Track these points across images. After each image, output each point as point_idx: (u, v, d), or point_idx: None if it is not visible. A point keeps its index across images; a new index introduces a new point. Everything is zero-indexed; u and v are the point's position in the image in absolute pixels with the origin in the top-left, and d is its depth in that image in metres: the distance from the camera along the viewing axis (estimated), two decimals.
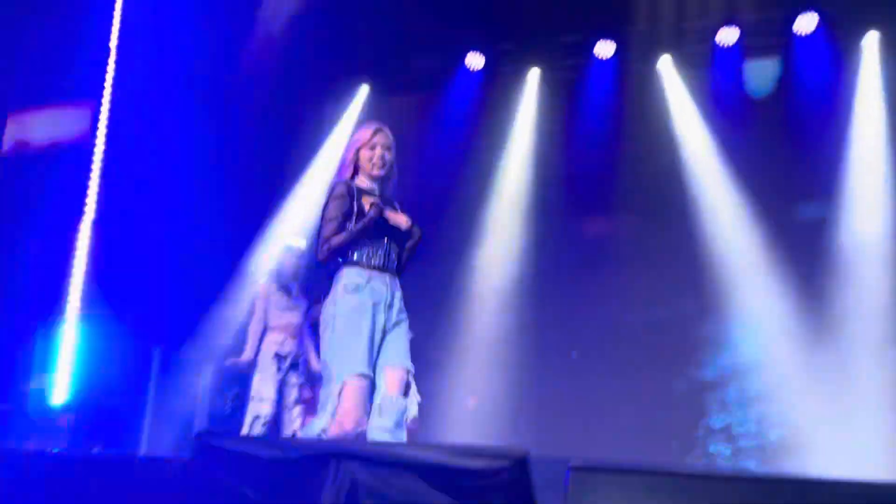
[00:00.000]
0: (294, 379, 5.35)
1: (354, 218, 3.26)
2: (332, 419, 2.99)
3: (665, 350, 6.94)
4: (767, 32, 7.00)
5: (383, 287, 3.27)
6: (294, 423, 5.30)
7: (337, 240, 3.23)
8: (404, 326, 3.32)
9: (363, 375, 3.08)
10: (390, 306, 3.27)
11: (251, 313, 5.44)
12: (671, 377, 6.85)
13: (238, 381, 5.75)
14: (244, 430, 5.17)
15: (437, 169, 7.47)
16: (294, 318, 5.39)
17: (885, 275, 6.47)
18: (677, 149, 7.29)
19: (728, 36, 6.93)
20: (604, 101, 7.39)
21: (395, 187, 3.54)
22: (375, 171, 3.41)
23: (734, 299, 6.89)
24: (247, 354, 5.28)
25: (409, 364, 3.24)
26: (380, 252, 3.30)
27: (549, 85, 7.65)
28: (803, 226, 6.80)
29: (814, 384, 6.40)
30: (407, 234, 3.38)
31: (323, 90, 7.98)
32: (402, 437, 3.08)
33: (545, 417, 7.02)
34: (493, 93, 7.76)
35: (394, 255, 3.36)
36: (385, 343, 3.22)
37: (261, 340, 5.30)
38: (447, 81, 7.58)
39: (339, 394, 3.02)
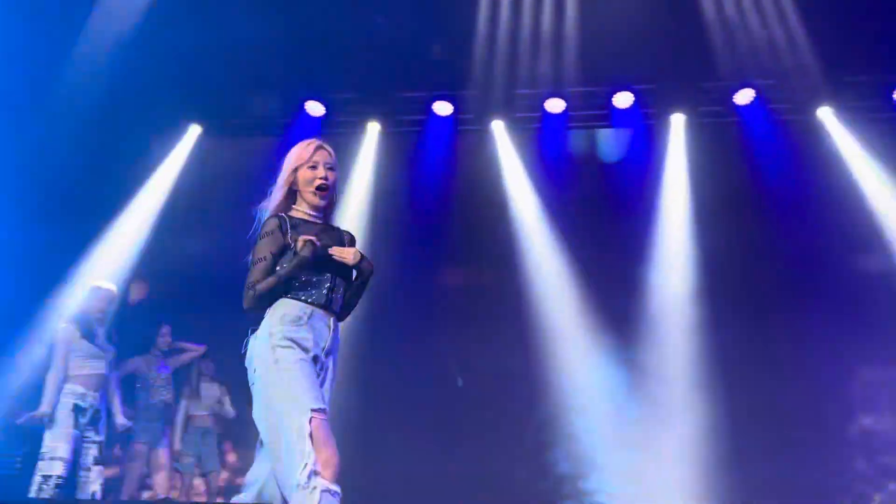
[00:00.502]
0: (94, 436, 4.88)
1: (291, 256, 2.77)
2: (313, 456, 2.50)
3: (491, 401, 7.09)
4: (590, 106, 7.60)
5: (325, 329, 2.80)
6: (92, 485, 4.78)
7: (264, 285, 2.73)
8: (332, 379, 2.85)
9: (324, 411, 2.62)
10: (329, 353, 2.80)
11: (50, 361, 4.90)
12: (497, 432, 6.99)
13: (30, 437, 5.08)
14: (31, 493, 4.62)
15: None
16: (98, 367, 4.93)
17: (687, 330, 7.09)
18: (508, 208, 7.63)
19: (555, 105, 7.44)
20: (441, 157, 7.61)
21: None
22: (317, 196, 2.89)
23: (556, 351, 7.21)
24: (43, 408, 4.75)
25: None
26: (323, 289, 2.80)
27: (389, 138, 7.74)
28: (620, 283, 7.28)
29: (624, 430, 6.84)
30: (354, 269, 2.89)
31: (149, 126, 7.49)
32: None
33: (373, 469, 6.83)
34: (332, 141, 7.66)
35: (339, 295, 2.86)
36: None
37: (60, 391, 4.79)
38: (287, 126, 7.43)
39: (309, 425, 2.54)
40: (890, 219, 6.88)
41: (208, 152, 7.65)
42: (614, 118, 7.50)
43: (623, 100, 7.33)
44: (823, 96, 6.91)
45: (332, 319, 2.83)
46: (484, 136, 7.69)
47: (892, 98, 6.90)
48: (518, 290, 7.41)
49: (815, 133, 7.13)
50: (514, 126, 7.67)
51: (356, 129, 7.70)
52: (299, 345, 2.69)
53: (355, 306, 3.00)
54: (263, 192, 2.94)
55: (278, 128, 7.44)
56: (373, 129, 7.66)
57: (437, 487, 6.70)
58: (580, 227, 7.46)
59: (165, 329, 6.22)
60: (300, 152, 2.96)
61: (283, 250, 2.79)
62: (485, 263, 7.73)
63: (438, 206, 7.59)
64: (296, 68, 7.11)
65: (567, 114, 7.47)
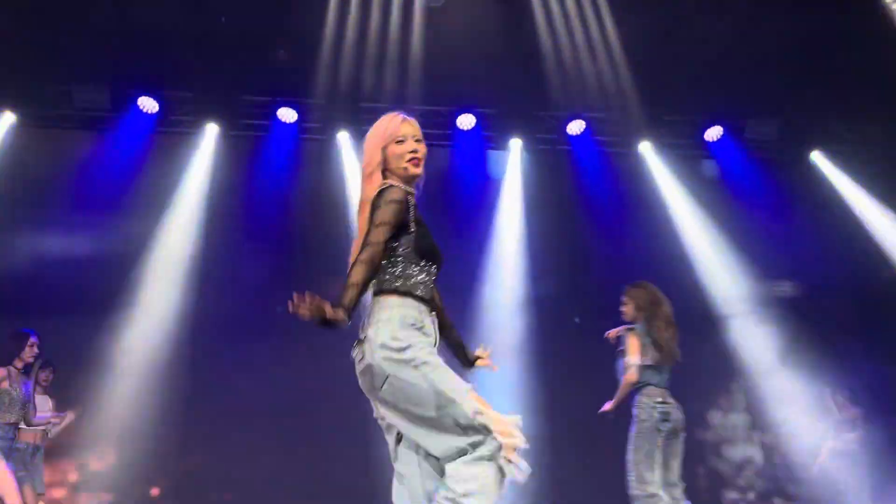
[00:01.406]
0: None
1: (412, 230, 2.54)
2: (493, 432, 2.30)
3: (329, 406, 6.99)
4: (434, 125, 7.75)
5: (434, 334, 2.56)
6: None
7: (352, 288, 2.35)
8: None
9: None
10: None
11: None
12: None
13: None
14: None
15: (96, 212, 6.77)
16: None
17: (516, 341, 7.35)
18: (349, 221, 7.60)
19: None
20: (284, 165, 7.46)
21: None
22: (412, 170, 2.61)
23: None
24: None
25: None
26: (430, 284, 2.59)
27: (229, 141, 7.49)
28: (457, 297, 7.45)
29: None
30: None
31: None
32: None
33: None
34: (167, 141, 7.36)
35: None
36: None
37: None
38: (116, 121, 6.99)
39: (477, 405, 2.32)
40: (697, 245, 7.59)
41: (25, 142, 7.04)
42: (456, 139, 7.71)
43: (466, 122, 7.57)
44: (644, 132, 7.51)
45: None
46: (329, 147, 7.63)
47: (702, 138, 7.63)
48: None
49: (637, 165, 7.72)
50: (361, 138, 7.67)
51: (193, 129, 7.38)
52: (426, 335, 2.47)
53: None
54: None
55: (105, 122, 6.99)
56: (211, 131, 7.38)
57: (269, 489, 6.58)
58: None
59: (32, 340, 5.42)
60: (384, 129, 2.66)
61: (404, 226, 2.53)
62: (322, 274, 7.62)
63: (278, 213, 7.42)
64: (128, 62, 6.72)
65: None
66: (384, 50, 6.92)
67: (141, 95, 6.96)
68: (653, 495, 4.27)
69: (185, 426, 6.84)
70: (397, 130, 2.64)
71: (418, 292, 2.53)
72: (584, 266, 7.58)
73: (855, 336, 7.66)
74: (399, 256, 2.57)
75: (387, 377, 2.39)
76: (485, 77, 6.92)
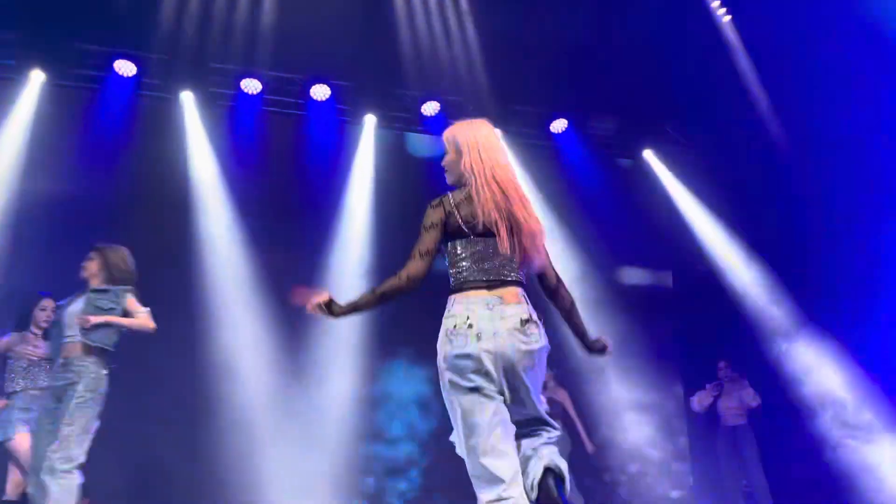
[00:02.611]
0: None
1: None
2: None
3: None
4: (287, 92, 7.53)
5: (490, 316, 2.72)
6: None
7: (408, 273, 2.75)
8: None
9: None
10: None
11: None
12: None
13: None
14: None
15: None
16: None
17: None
18: (188, 182, 7.21)
19: (251, 85, 7.25)
20: (120, 118, 6.93)
21: None
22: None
23: (225, 333, 6.91)
24: None
25: None
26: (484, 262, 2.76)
27: (56, 91, 6.86)
28: (302, 266, 7.26)
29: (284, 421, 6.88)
30: None
31: None
32: None
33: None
34: None
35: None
36: None
37: None
38: None
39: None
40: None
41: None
42: (311, 109, 7.54)
43: (320, 92, 7.41)
44: (494, 120, 7.66)
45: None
46: (171, 105, 7.20)
47: (548, 129, 7.97)
48: (192, 280, 6.98)
49: None
50: (207, 100, 7.30)
51: (16, 74, 6.70)
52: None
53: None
54: None
55: None
56: (37, 79, 6.73)
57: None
58: (263, 214, 7.33)
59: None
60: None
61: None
62: (161, 235, 7.17)
63: (105, 175, 6.89)
64: None
65: (262, 96, 7.34)
66: (235, 7, 6.61)
67: None
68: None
69: None
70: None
71: (470, 278, 2.69)
72: None
73: (672, 321, 8.40)
74: (448, 254, 2.78)
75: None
76: (341, 50, 6.79)
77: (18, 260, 6.29)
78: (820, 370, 6.85)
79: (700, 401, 6.96)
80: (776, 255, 7.41)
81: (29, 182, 6.61)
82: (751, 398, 6.69)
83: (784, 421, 6.95)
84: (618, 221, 8.10)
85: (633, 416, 8.20)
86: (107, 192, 6.78)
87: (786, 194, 7.24)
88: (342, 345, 7.18)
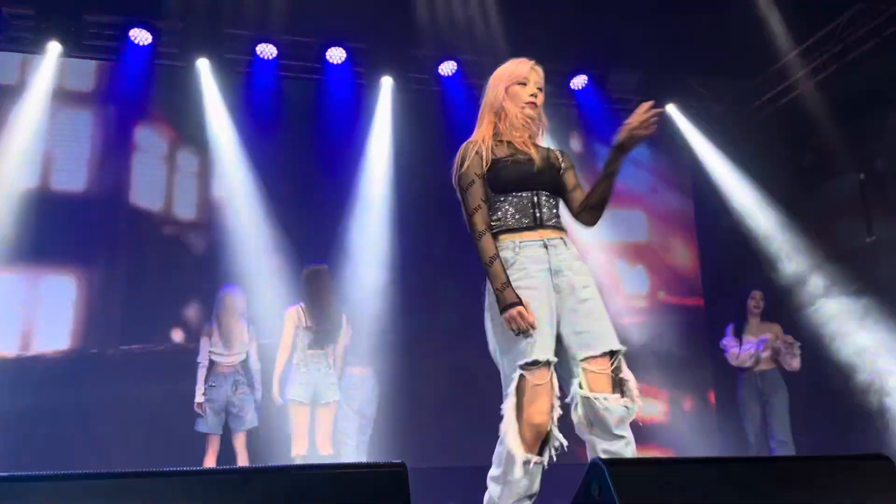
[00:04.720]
0: None
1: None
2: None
3: None
4: (302, 56, 7.48)
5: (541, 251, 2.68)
6: None
7: (478, 242, 2.66)
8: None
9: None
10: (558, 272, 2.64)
11: None
12: None
13: None
14: None
15: None
16: None
17: (381, 274, 7.27)
18: (207, 149, 7.23)
19: (266, 50, 7.21)
20: (137, 87, 6.97)
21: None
22: (528, 111, 2.76)
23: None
24: None
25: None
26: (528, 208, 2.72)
27: (72, 63, 6.91)
28: (322, 230, 7.25)
29: None
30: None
31: None
32: None
33: None
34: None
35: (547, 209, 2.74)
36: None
37: None
38: None
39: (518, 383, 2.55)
40: None
41: None
42: (327, 72, 7.48)
43: (336, 55, 7.35)
44: None
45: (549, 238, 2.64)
46: (187, 73, 7.19)
47: (569, 86, 7.83)
48: (213, 242, 7.04)
49: None
50: (223, 67, 7.28)
51: (33, 48, 6.73)
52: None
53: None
54: None
55: None
56: (54, 50, 6.75)
57: None
58: (282, 178, 7.33)
59: None
60: (511, 71, 2.78)
61: (482, 171, 2.68)
62: (177, 214, 7.24)
63: (132, 143, 6.96)
64: None
65: (277, 61, 7.30)
66: None
67: None
68: None
69: None
70: (523, 74, 2.75)
71: (510, 224, 2.63)
72: (450, 208, 7.61)
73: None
74: (492, 200, 2.69)
75: None
76: (356, 12, 6.70)
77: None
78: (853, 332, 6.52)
79: (743, 358, 6.05)
80: (807, 216, 7.24)
81: (47, 159, 6.71)
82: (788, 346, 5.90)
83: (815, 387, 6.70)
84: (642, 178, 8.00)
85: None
86: (125, 160, 6.87)
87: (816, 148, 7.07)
88: None
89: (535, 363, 2.44)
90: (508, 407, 2.44)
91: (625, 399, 2.44)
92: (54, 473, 1.52)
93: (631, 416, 2.44)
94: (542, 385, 2.42)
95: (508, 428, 2.43)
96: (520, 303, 2.45)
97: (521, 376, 2.44)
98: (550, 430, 2.45)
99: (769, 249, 7.49)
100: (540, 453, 2.46)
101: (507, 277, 2.51)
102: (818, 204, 7.35)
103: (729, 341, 6.22)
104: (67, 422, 6.21)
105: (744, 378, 6.16)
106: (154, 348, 6.78)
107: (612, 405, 2.41)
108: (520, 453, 2.41)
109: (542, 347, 2.45)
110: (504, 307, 2.46)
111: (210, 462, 5.41)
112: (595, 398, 2.41)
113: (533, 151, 2.71)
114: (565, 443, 2.45)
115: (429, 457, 6.36)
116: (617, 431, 2.40)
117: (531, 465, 2.44)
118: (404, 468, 1.65)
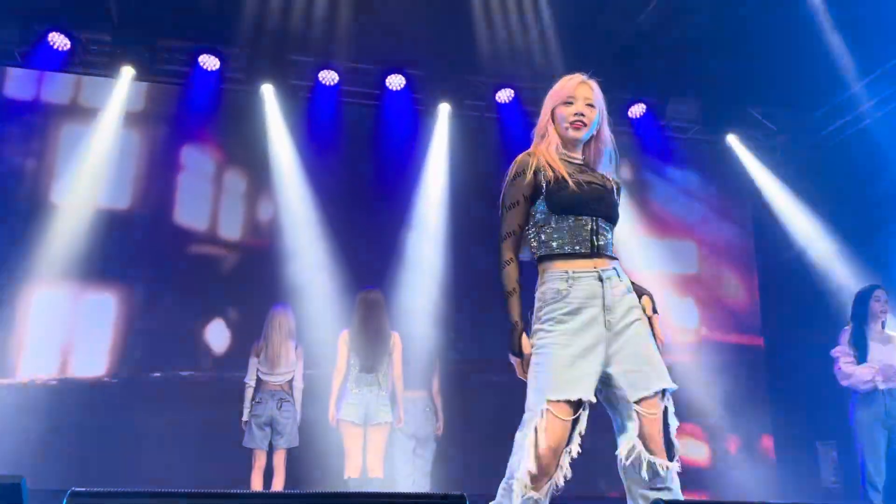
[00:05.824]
0: None
1: (543, 197, 2.58)
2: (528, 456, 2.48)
3: None
4: (363, 82, 7.64)
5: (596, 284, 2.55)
6: None
7: (505, 267, 2.60)
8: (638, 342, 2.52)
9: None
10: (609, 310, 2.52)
11: None
12: None
13: None
14: None
15: None
16: None
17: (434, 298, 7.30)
18: (269, 173, 7.42)
19: (328, 77, 7.38)
20: (205, 111, 7.22)
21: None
22: (571, 133, 2.65)
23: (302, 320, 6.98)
24: None
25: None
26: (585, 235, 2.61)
27: (146, 88, 7.22)
28: (378, 253, 7.33)
29: None
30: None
31: None
32: None
33: None
34: (78, 84, 7.07)
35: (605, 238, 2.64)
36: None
37: None
38: (24, 56, 6.62)
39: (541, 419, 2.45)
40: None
41: None
42: (386, 99, 7.62)
43: (395, 82, 7.48)
44: None
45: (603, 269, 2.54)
46: (252, 98, 7.42)
47: (626, 115, 7.78)
48: (272, 268, 7.15)
49: None
50: (286, 92, 7.49)
51: (108, 72, 7.05)
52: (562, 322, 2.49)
53: None
54: None
55: (12, 57, 6.61)
56: (127, 74, 7.05)
57: None
58: (341, 203, 7.45)
59: None
60: (557, 90, 2.71)
61: (536, 191, 2.59)
62: (237, 234, 7.43)
63: (198, 165, 7.19)
64: None
65: (339, 87, 7.46)
66: (313, 1, 6.74)
67: (51, 31, 6.57)
68: None
69: None
70: (569, 91, 2.67)
71: (565, 250, 2.55)
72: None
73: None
74: (538, 222, 2.62)
75: None
76: (415, 39, 6.83)
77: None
78: None
79: (860, 374, 4.69)
80: (868, 247, 7.02)
81: (116, 181, 6.98)
82: None
83: None
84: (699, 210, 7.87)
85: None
86: (198, 181, 7.10)
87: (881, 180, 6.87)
88: None
89: (557, 401, 2.40)
90: (524, 440, 2.40)
91: (675, 463, 2.42)
92: (155, 491, 1.53)
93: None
94: (563, 423, 2.39)
95: (521, 462, 2.39)
96: (520, 355, 2.51)
97: (544, 411, 2.39)
98: (557, 470, 2.41)
99: (832, 284, 7.26)
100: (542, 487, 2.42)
101: (518, 318, 2.52)
102: (888, 238, 7.12)
103: (841, 351, 4.89)
104: (112, 441, 6.34)
105: (861, 396, 4.77)
106: (190, 370, 6.89)
107: (667, 471, 2.40)
108: (518, 489, 2.38)
109: (568, 384, 2.40)
110: (509, 350, 2.53)
111: (256, 478, 5.46)
112: (652, 462, 2.38)
113: (594, 176, 2.66)
114: (561, 483, 2.43)
115: (485, 483, 6.29)
116: (662, 484, 2.40)
117: (531, 502, 2.39)
118: (464, 501, 1.63)
